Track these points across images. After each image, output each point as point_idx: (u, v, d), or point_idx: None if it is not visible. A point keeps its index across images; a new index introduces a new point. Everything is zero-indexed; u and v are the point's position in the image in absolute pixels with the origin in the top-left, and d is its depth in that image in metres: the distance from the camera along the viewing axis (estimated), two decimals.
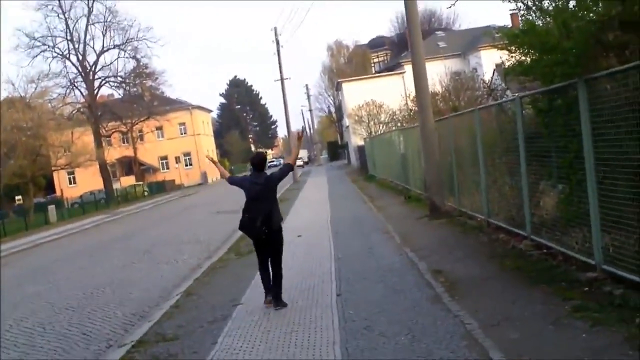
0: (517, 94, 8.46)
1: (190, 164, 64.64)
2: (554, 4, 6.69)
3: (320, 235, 12.18)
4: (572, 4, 6.46)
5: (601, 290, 5.58)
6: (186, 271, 10.72)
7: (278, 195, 7.12)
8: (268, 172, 7.05)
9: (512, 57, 7.32)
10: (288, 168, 7.14)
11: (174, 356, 5.74)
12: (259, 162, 6.93)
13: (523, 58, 7.11)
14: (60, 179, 57.74)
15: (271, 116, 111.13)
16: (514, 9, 7.36)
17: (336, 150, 72.91)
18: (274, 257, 6.87)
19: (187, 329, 6.57)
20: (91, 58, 50.43)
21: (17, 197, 43.56)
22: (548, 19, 6.79)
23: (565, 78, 6.16)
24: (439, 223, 11.63)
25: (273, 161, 74.95)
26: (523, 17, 7.36)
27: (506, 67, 7.93)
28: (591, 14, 6.21)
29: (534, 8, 7.05)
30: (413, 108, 24.85)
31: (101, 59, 51.25)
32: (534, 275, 6.56)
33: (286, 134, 55.91)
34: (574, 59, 5.93)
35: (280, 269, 6.87)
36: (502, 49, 7.56)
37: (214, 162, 8.49)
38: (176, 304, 7.86)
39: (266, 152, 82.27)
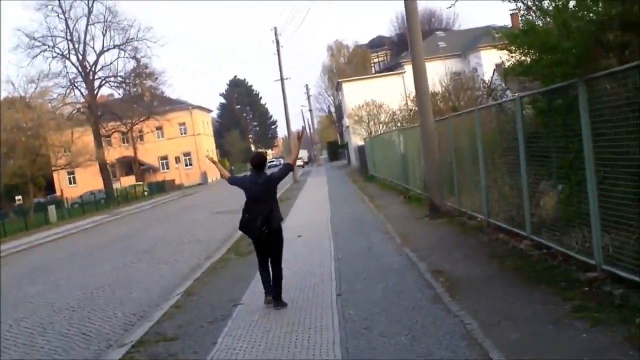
0: (517, 94, 8.46)
1: (190, 164, 64.67)
2: (554, 4, 6.69)
3: (320, 235, 12.18)
4: (572, 4, 6.47)
5: (601, 290, 5.58)
6: (186, 271, 10.72)
7: (278, 195, 7.11)
8: (268, 172, 7.04)
9: (512, 57, 7.33)
10: (288, 168, 7.13)
11: (173, 356, 5.74)
12: (259, 162, 6.92)
13: (523, 58, 7.12)
14: (60, 179, 57.80)
15: (271, 116, 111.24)
16: (514, 9, 7.41)
17: (336, 150, 72.82)
18: (274, 257, 6.87)
19: (187, 328, 6.57)
20: (91, 58, 50.77)
21: (17, 197, 43.56)
22: (548, 19, 6.81)
23: (565, 78, 6.16)
24: (439, 223, 11.63)
25: (273, 161, 74.94)
26: (523, 17, 7.38)
27: (506, 67, 7.93)
28: (591, 14, 6.22)
29: (534, 8, 7.07)
30: (413, 108, 24.86)
31: (101, 59, 51.58)
32: (534, 276, 6.56)
33: (286, 134, 55.88)
34: (573, 59, 5.94)
35: (281, 269, 6.87)
36: (502, 49, 7.57)
37: (213, 162, 8.49)
38: (176, 304, 7.86)
39: (266, 152, 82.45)
